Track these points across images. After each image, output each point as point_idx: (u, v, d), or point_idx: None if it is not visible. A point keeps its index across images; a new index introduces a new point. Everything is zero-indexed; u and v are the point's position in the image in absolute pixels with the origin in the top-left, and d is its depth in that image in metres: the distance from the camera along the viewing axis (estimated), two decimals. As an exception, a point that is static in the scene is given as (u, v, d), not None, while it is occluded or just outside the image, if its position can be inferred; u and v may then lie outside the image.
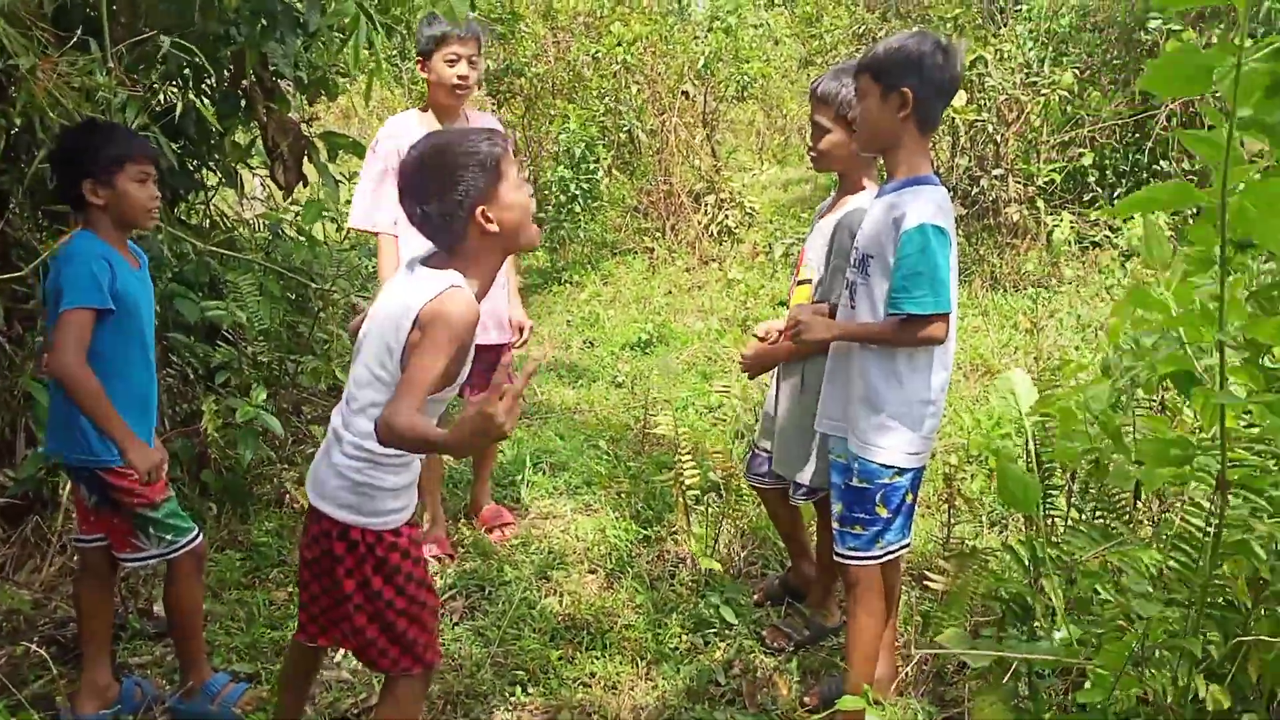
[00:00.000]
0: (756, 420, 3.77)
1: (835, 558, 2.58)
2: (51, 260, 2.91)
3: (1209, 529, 1.98)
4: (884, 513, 2.47)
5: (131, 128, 3.29)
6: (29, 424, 3.55)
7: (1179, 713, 1.77)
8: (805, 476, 2.89)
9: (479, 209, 2.05)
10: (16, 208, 3.73)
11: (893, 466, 2.44)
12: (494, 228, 2.07)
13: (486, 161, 2.06)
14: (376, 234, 3.48)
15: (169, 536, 2.69)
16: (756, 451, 3.17)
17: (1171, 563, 2.01)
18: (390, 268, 3.42)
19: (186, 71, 4.23)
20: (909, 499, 2.50)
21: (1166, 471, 2.01)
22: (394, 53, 10.94)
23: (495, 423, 1.73)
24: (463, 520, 3.88)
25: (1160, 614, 1.83)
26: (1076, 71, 7.20)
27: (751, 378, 3.09)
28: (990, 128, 7.14)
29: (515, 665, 2.96)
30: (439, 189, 2.05)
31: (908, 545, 2.58)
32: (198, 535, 2.76)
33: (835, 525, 2.55)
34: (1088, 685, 1.80)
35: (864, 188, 2.81)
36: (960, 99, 6.98)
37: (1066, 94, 7.04)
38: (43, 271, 3.44)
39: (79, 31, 3.31)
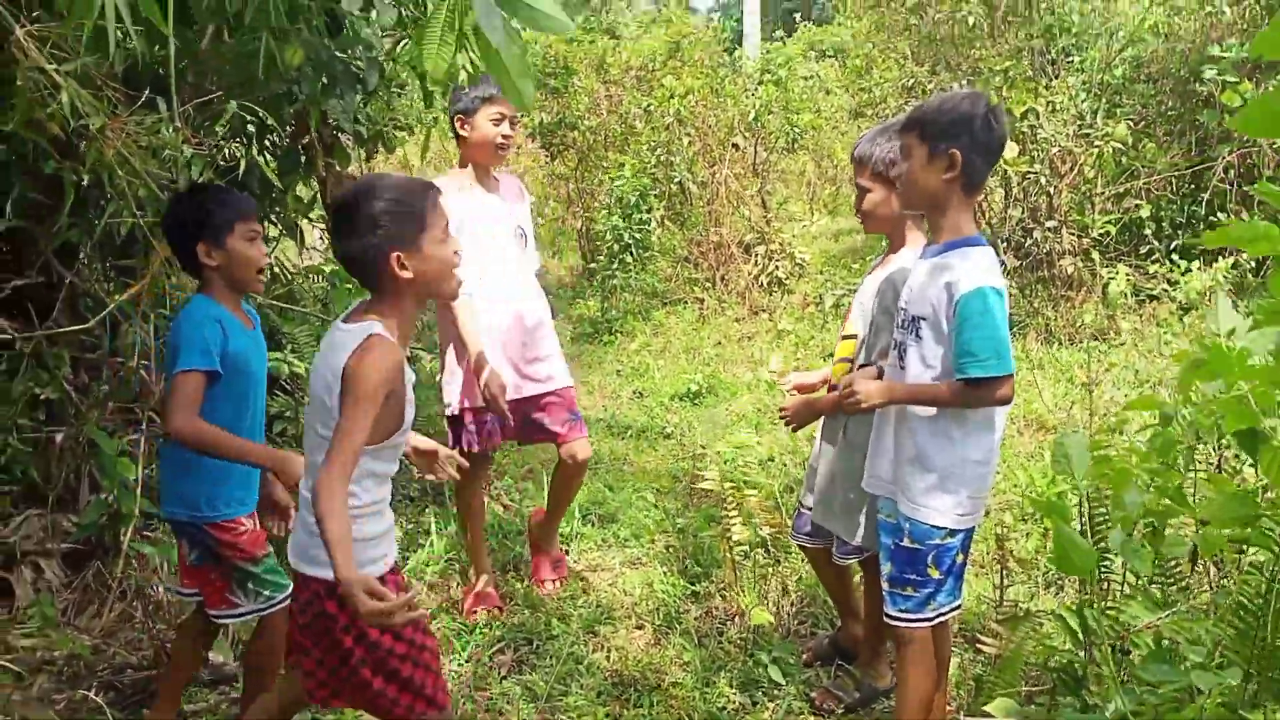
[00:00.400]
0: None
1: (886, 619, 2.56)
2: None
3: (1266, 595, 1.93)
4: (936, 574, 2.44)
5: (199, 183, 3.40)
6: (92, 471, 3.64)
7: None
8: (857, 537, 2.87)
9: (394, 254, 2.09)
10: (85, 259, 3.85)
11: (944, 528, 2.42)
12: (407, 274, 2.11)
13: (411, 210, 2.12)
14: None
15: (266, 592, 2.74)
16: (801, 510, 3.15)
17: (1230, 631, 1.97)
18: (472, 328, 3.41)
19: (250, 128, 4.36)
20: (960, 559, 2.48)
21: (1223, 535, 1.98)
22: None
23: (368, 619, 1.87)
24: (511, 572, 3.89)
25: (1219, 686, 1.78)
26: (1130, 123, 7.16)
27: (795, 430, 3.08)
28: (1043, 179, 7.11)
29: (561, 722, 2.96)
30: (359, 228, 2.10)
31: (959, 606, 2.55)
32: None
33: (885, 586, 2.54)
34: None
35: (906, 243, 2.81)
36: (1012, 150, 6.96)
37: (1120, 145, 6.99)
38: (109, 322, 3.55)
39: (147, 91, 3.43)
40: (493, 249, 3.48)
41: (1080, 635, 1.94)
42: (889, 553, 2.52)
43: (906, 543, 2.46)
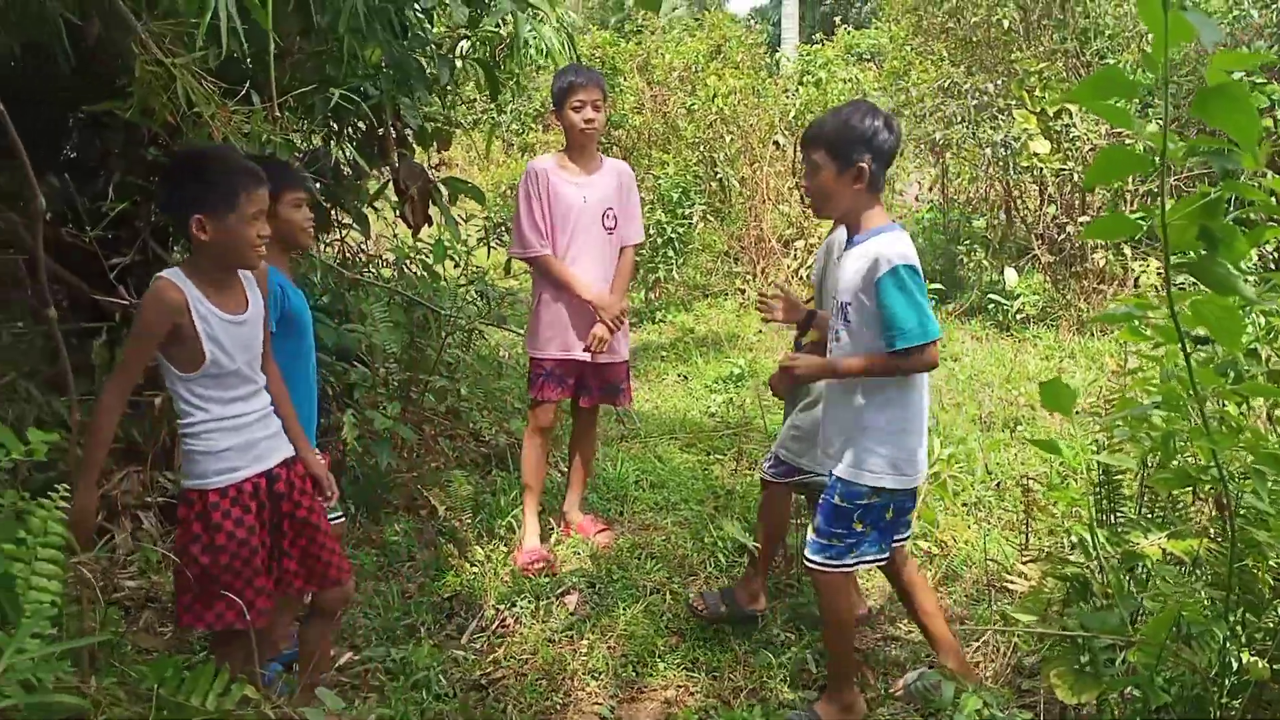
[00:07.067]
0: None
1: (806, 563, 2.81)
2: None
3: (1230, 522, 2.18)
4: (860, 527, 2.70)
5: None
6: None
7: (1218, 680, 1.99)
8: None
9: (196, 218, 2.33)
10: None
11: (873, 488, 2.67)
12: (204, 237, 2.34)
13: (222, 186, 2.35)
14: (537, 257, 3.83)
15: None
16: (776, 451, 3.38)
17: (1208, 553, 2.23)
18: (568, 276, 3.81)
19: (332, 122, 4.69)
20: (888, 516, 2.72)
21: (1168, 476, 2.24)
22: (508, 111, 11.52)
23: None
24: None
25: (1187, 599, 2.04)
26: (1160, 121, 7.36)
27: (786, 389, 3.17)
28: (1076, 176, 7.34)
29: (623, 651, 3.25)
30: (172, 188, 2.41)
31: (885, 557, 2.80)
32: None
33: (811, 534, 2.78)
34: (1135, 651, 2.03)
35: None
36: (1045, 147, 7.20)
37: (1151, 144, 7.18)
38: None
39: (247, 85, 3.77)
40: (574, 225, 3.84)
41: (1091, 550, 2.21)
42: (820, 506, 2.77)
43: (837, 500, 2.70)
